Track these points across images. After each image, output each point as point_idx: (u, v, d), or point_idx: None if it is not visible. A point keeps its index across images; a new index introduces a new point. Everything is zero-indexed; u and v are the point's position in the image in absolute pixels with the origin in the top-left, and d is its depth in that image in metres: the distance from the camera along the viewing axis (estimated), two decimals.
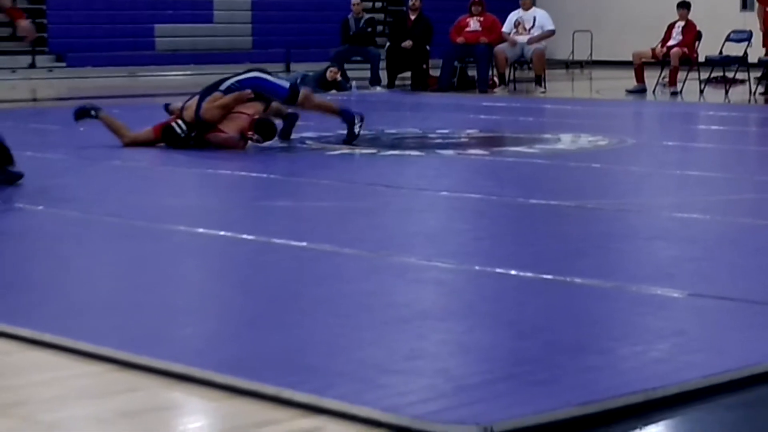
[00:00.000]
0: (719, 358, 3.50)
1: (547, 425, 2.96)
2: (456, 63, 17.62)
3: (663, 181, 7.85)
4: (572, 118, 12.90)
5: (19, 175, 7.17)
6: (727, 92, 16.20)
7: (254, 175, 8.14)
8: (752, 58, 16.50)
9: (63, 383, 3.40)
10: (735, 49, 16.50)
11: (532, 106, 15.10)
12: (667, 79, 16.69)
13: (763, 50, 16.39)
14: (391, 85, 17.85)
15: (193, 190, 7.69)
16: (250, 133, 9.31)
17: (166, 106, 9.91)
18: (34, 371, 3.52)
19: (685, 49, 16.28)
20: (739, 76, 17.09)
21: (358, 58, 18.33)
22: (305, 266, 4.89)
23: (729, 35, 16.87)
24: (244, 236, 5.59)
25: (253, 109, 9.46)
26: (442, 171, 8.50)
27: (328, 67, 16.89)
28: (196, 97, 9.47)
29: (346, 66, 17.84)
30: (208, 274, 5.03)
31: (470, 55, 17.32)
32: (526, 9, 17.28)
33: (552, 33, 17.50)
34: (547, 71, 17.70)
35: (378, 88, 17.65)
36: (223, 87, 9.47)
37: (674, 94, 16.15)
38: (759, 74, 16.46)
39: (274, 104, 9.76)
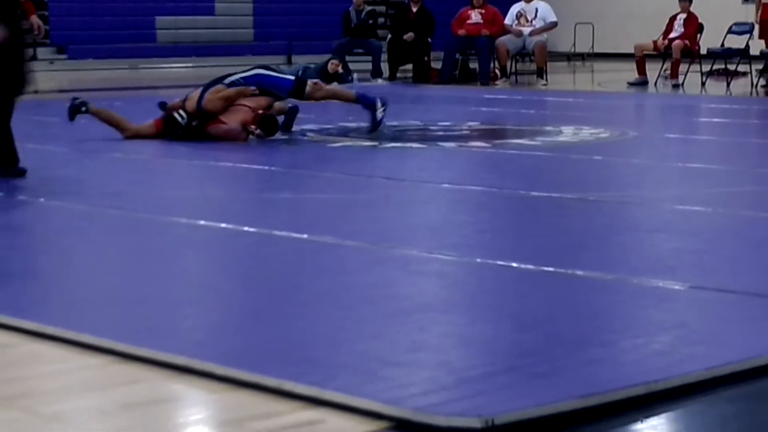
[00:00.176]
0: (721, 350, 3.50)
1: (548, 418, 2.97)
2: (457, 55, 17.61)
3: (664, 174, 7.84)
4: (574, 110, 12.88)
5: (22, 172, 7.16)
6: (728, 84, 16.18)
7: (256, 167, 8.14)
8: (754, 51, 16.49)
9: (65, 375, 3.40)
10: (737, 42, 16.48)
11: (534, 98, 15.08)
12: (668, 72, 16.67)
13: (763, 42, 16.37)
14: (392, 78, 17.82)
15: (194, 182, 7.69)
16: (252, 127, 9.30)
17: (163, 105, 9.68)
18: (36, 363, 3.53)
19: (687, 42, 16.25)
20: (741, 68, 17.09)
21: (360, 51, 18.31)
22: (306, 258, 4.89)
23: (731, 27, 16.86)
24: (246, 228, 5.59)
25: (256, 102, 9.45)
26: (443, 163, 8.49)
27: (330, 60, 16.83)
28: (199, 89, 9.46)
29: (347, 58, 17.82)
30: (210, 266, 5.03)
31: (472, 48, 17.30)
32: (528, 1, 17.23)
33: (554, 25, 17.47)
34: (548, 63, 17.70)
35: (379, 81, 17.62)
36: (227, 81, 9.47)
37: (676, 86, 16.12)
38: (761, 66, 16.43)
39: (277, 104, 9.74)
